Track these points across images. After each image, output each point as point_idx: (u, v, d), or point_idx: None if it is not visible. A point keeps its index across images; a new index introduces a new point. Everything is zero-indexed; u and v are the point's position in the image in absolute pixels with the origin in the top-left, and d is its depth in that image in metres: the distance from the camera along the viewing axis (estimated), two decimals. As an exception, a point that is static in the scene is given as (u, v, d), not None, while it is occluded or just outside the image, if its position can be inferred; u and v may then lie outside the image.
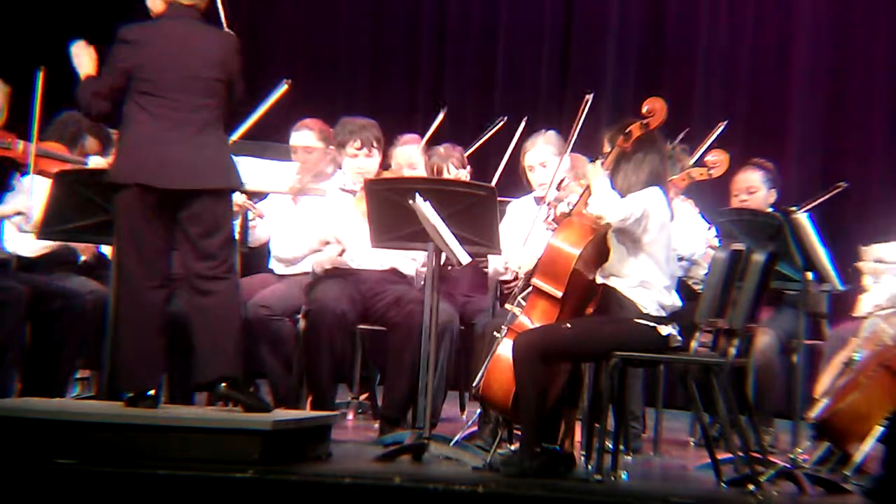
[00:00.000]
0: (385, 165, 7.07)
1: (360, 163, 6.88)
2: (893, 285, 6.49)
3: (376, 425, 6.80)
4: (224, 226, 5.63)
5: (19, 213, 6.61)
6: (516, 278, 6.35)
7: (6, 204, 6.69)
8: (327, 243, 6.85)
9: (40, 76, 6.46)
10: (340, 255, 6.80)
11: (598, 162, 5.62)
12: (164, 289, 5.63)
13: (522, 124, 7.16)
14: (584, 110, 6.46)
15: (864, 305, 6.55)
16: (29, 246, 6.66)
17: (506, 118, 7.48)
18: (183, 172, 5.54)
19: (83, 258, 6.84)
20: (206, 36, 5.70)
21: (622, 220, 5.47)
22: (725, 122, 6.71)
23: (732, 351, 5.50)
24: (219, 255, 5.58)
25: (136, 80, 5.60)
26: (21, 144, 6.53)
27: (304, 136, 7.15)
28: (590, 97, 6.44)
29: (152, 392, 5.57)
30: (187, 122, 5.58)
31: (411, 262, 6.85)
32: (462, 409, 7.69)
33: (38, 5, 10.09)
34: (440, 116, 7.17)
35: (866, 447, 5.76)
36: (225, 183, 5.64)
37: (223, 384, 5.53)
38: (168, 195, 5.55)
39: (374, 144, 6.89)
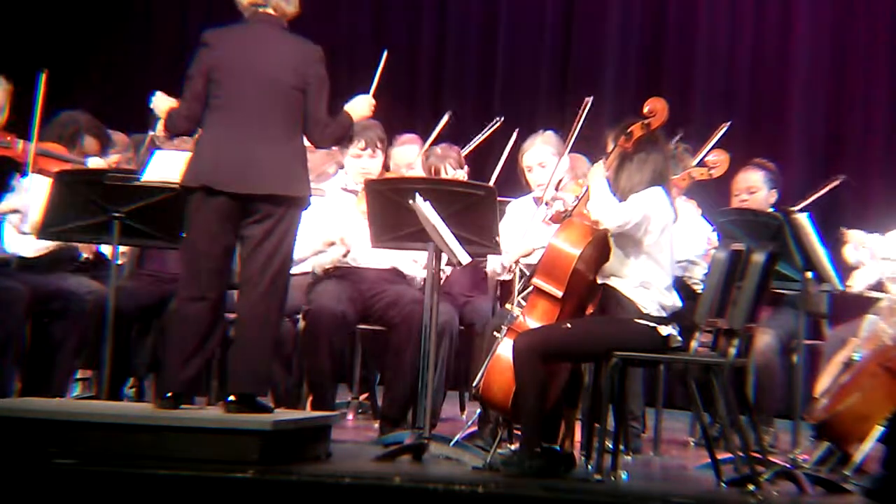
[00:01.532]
0: (384, 165, 7.07)
1: (364, 163, 6.88)
2: (880, 269, 6.54)
3: (376, 425, 6.80)
4: (275, 238, 5.54)
5: (16, 211, 6.61)
6: (513, 273, 6.35)
7: (4, 203, 6.68)
8: (332, 244, 6.83)
9: (42, 77, 6.46)
10: (345, 256, 6.79)
11: (600, 163, 5.62)
12: (205, 301, 5.53)
13: (516, 132, 7.15)
14: (583, 113, 6.46)
15: (857, 281, 6.56)
16: (29, 246, 6.66)
17: (502, 118, 7.48)
18: (244, 176, 5.49)
19: (84, 255, 6.83)
20: (284, 43, 5.65)
21: (620, 225, 5.47)
22: (729, 123, 6.69)
23: (732, 351, 5.50)
24: (259, 264, 5.52)
25: (210, 83, 5.57)
26: (21, 144, 6.53)
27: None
28: (589, 100, 6.43)
29: (170, 394, 5.54)
30: (255, 127, 5.53)
31: (413, 263, 6.84)
32: (462, 409, 7.69)
33: (40, 5, 10.10)
34: (443, 121, 7.19)
35: (866, 447, 5.76)
36: (285, 190, 5.55)
37: (232, 396, 5.53)
38: (230, 199, 5.51)
39: (378, 145, 6.89)
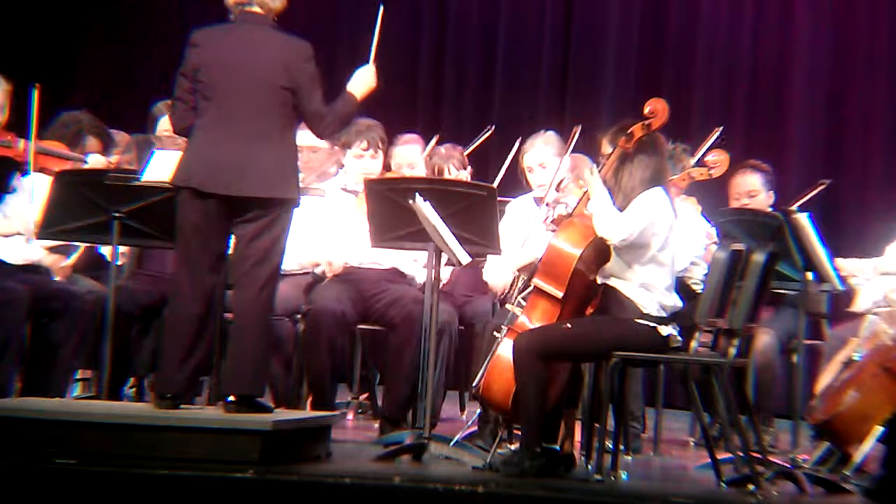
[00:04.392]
0: (385, 165, 7.07)
1: (366, 164, 6.87)
2: (882, 285, 6.53)
3: (376, 425, 6.80)
4: (268, 236, 5.52)
5: (18, 234, 6.61)
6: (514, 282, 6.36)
7: (6, 208, 6.67)
8: (317, 265, 6.84)
9: (35, 93, 6.45)
10: (331, 274, 6.76)
11: (596, 172, 5.59)
12: (205, 300, 5.55)
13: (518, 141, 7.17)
14: (572, 141, 6.49)
15: (862, 301, 6.56)
16: (13, 254, 6.64)
17: (493, 127, 7.48)
18: (233, 178, 5.48)
19: (57, 278, 6.79)
20: (271, 42, 5.61)
21: (624, 239, 5.46)
22: (721, 128, 6.69)
23: (732, 351, 5.51)
24: (252, 263, 5.51)
25: (198, 83, 5.56)
26: (21, 143, 6.53)
27: (310, 135, 7.12)
28: (578, 129, 6.47)
29: (169, 394, 5.54)
30: (244, 127, 5.52)
31: (413, 262, 6.84)
32: (462, 409, 7.69)
33: (40, 4, 10.11)
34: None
35: (866, 447, 5.76)
36: (273, 192, 5.53)
37: (231, 396, 5.52)
38: (220, 200, 5.50)
39: (380, 146, 6.90)
